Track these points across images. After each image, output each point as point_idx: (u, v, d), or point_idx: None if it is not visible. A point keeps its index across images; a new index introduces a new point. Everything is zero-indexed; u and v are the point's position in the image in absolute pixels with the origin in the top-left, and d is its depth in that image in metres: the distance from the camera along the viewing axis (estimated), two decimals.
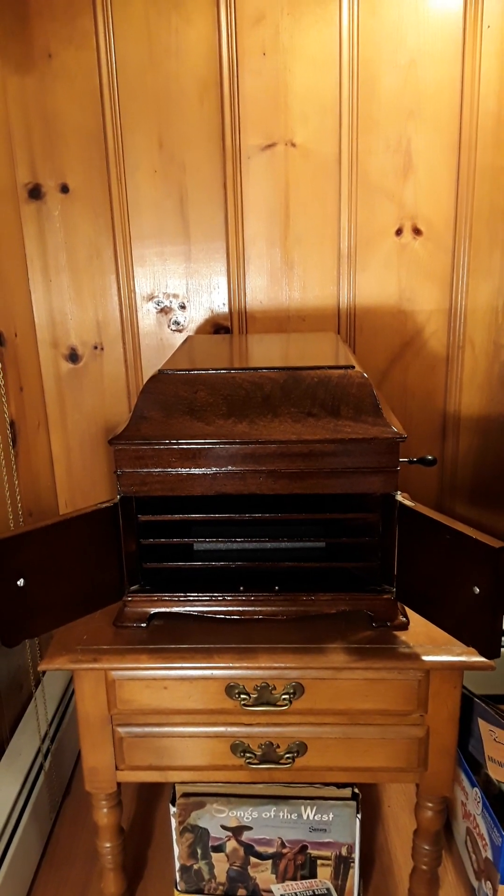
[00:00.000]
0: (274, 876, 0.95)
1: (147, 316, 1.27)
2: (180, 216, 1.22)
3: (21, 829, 1.02)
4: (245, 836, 0.93)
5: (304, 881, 0.95)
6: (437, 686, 0.85)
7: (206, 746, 0.88)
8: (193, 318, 1.27)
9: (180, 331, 1.28)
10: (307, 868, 0.94)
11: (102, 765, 0.90)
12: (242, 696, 0.85)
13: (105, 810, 0.92)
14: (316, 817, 0.92)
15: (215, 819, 0.93)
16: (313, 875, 0.94)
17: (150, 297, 1.26)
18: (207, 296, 1.26)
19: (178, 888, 0.97)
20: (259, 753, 0.88)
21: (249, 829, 0.93)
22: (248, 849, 0.94)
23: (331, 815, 0.91)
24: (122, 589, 0.88)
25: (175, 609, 0.87)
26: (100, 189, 1.21)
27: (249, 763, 0.87)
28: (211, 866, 0.95)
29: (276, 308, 1.26)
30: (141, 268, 1.25)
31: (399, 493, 0.83)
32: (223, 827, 0.93)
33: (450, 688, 0.85)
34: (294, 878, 0.95)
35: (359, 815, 0.92)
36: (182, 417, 0.83)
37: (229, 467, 0.83)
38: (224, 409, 0.83)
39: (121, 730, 0.88)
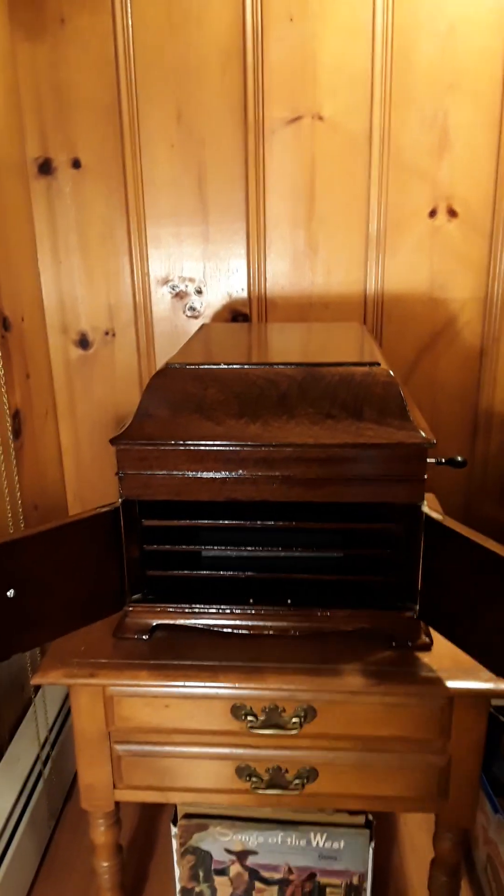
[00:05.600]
0: None
1: (161, 301, 1.20)
2: (198, 194, 1.15)
3: (17, 838, 0.97)
4: (250, 860, 0.88)
5: None
6: (461, 713, 0.78)
7: (210, 768, 0.82)
8: (210, 303, 1.20)
9: (196, 317, 1.21)
10: (316, 894, 0.89)
11: (99, 783, 0.84)
12: (249, 717, 0.79)
13: (102, 829, 0.87)
14: (326, 844, 0.86)
15: (219, 842, 0.87)
16: None
17: (165, 281, 1.19)
18: (225, 280, 1.19)
19: None
20: (266, 778, 0.82)
21: (255, 853, 0.87)
22: (253, 874, 0.89)
23: (342, 843, 0.85)
24: (123, 598, 0.82)
25: (180, 622, 0.81)
26: (113, 164, 1.14)
27: (256, 788, 0.81)
28: (213, 890, 0.90)
29: (298, 294, 1.18)
30: (156, 249, 1.18)
31: (426, 503, 0.76)
32: (227, 850, 0.88)
33: (475, 715, 0.78)
34: None
35: (372, 844, 0.86)
36: (190, 416, 0.77)
37: (240, 472, 0.76)
38: (236, 407, 0.76)
39: (119, 747, 0.82)
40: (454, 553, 0.72)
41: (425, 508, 0.76)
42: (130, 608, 0.82)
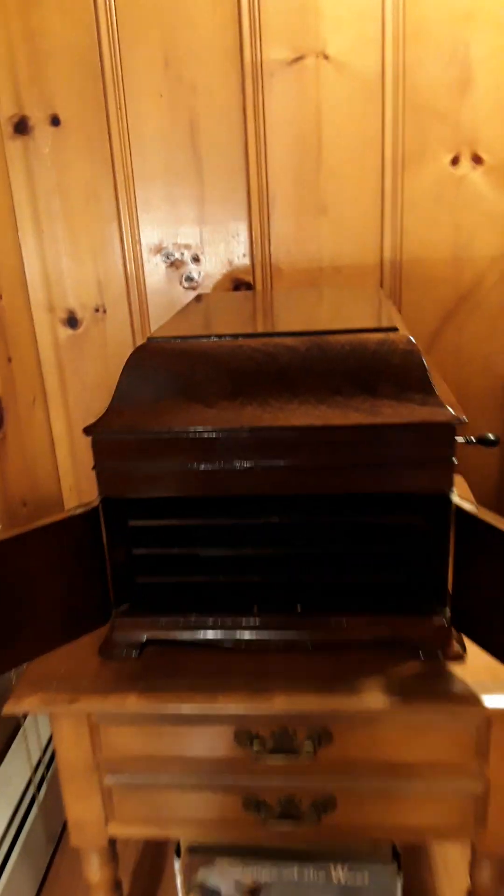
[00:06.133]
0: None
1: (155, 271, 1.09)
2: (191, 150, 1.03)
3: (11, 866, 0.88)
4: None
5: None
6: (500, 733, 0.67)
7: (213, 800, 0.72)
8: (209, 272, 1.08)
9: (194, 288, 1.09)
10: None
11: (89, 818, 0.75)
12: (256, 743, 0.68)
13: (96, 866, 0.78)
14: (348, 880, 0.76)
15: (228, 877, 0.78)
16: None
17: (159, 249, 1.08)
18: (225, 246, 1.07)
19: None
20: (278, 810, 0.71)
21: (268, 890, 0.77)
22: None
23: (366, 877, 0.75)
24: (108, 611, 0.71)
25: (174, 636, 0.71)
26: (96, 119, 1.02)
27: (266, 820, 0.71)
28: None
29: (306, 258, 1.06)
30: (146, 213, 1.06)
31: (455, 492, 0.65)
32: (237, 885, 0.78)
33: None
34: None
35: (401, 877, 0.75)
36: (176, 398, 0.66)
37: (235, 462, 0.65)
38: (229, 386, 0.65)
39: (109, 779, 0.73)
40: (491, 550, 0.60)
41: (455, 498, 0.64)
42: (117, 621, 0.71)
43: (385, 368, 0.64)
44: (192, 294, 1.09)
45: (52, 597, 0.67)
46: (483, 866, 0.75)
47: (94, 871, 0.78)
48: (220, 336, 0.66)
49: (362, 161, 1.01)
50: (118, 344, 1.12)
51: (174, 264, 1.08)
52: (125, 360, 1.11)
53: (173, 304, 1.10)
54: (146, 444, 0.65)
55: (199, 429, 0.64)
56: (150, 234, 1.07)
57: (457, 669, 0.67)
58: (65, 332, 1.12)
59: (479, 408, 1.11)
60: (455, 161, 1.00)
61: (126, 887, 0.99)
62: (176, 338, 0.67)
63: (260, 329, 0.70)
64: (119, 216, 1.06)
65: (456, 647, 0.68)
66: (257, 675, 0.68)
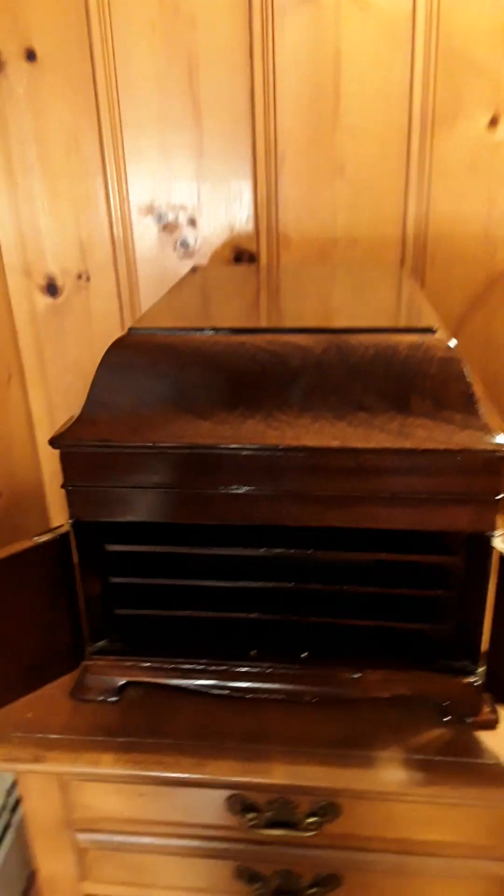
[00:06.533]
0: None
1: (146, 234, 0.95)
2: (188, 95, 0.88)
3: None
4: None
5: None
6: None
7: (201, 866, 0.63)
8: (207, 238, 0.95)
9: (190, 256, 0.96)
10: None
11: (62, 876, 0.65)
12: (250, 813, 0.58)
13: None
14: None
15: None
16: None
17: (149, 210, 0.94)
18: (226, 207, 0.93)
19: None
20: (274, 883, 0.62)
21: None
22: None
23: None
24: (79, 651, 0.61)
25: (157, 680, 0.60)
26: (78, 55, 0.88)
27: (260, 894, 0.62)
28: None
29: (318, 227, 0.93)
30: (136, 166, 0.92)
31: (499, 535, 0.53)
32: None
33: None
34: None
35: None
36: (162, 406, 0.54)
37: (232, 486, 0.53)
38: (227, 393, 0.53)
39: (82, 837, 0.63)
40: None
41: (498, 544, 0.53)
42: (91, 662, 0.61)
43: (418, 379, 0.52)
44: (188, 263, 0.96)
45: (15, 639, 0.56)
46: None
47: None
48: (216, 329, 0.54)
49: (386, 118, 0.87)
50: (103, 316, 1.00)
51: (167, 227, 0.95)
52: (111, 334, 0.99)
53: (165, 273, 0.97)
54: (125, 460, 0.54)
55: (190, 446, 0.52)
56: (139, 191, 0.93)
57: (487, 738, 0.57)
58: (44, 301, 0.99)
59: None
60: (493, 123, 0.86)
61: None
62: (163, 329, 0.55)
63: (265, 321, 0.58)
64: (104, 168, 0.92)
65: (486, 710, 0.57)
66: (253, 735, 0.57)
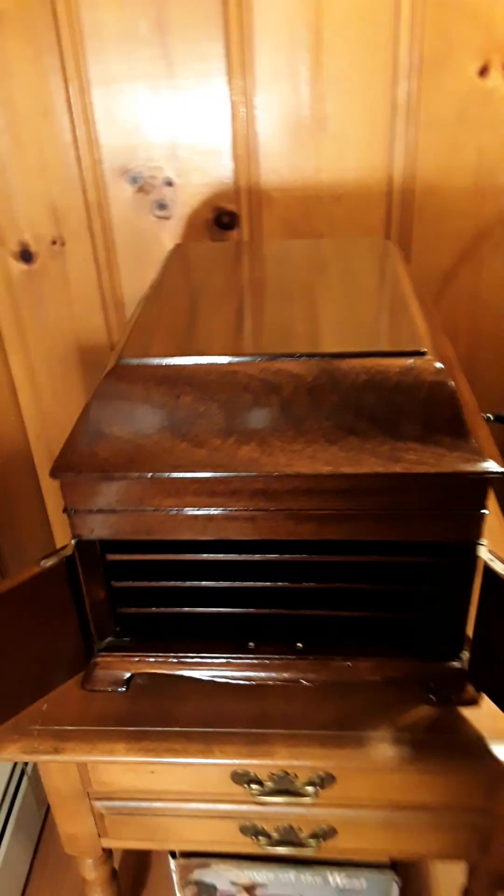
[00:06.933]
0: None
1: (121, 197, 0.92)
2: (159, 47, 0.83)
3: (9, 833, 0.88)
4: (259, 893, 0.78)
5: None
6: None
7: (209, 826, 0.70)
8: (185, 200, 0.92)
9: (167, 217, 0.93)
10: None
11: (82, 834, 0.72)
12: (253, 785, 0.65)
13: (91, 867, 0.77)
14: (345, 884, 0.76)
15: (223, 876, 0.78)
16: None
17: (124, 171, 0.90)
18: (204, 166, 0.90)
19: None
20: (276, 837, 0.69)
21: (264, 886, 0.78)
22: None
23: (363, 883, 0.75)
24: (88, 652, 0.65)
25: (162, 671, 0.65)
26: (38, 7, 0.81)
27: (264, 846, 0.69)
28: None
29: (301, 183, 0.90)
30: (108, 128, 0.88)
31: (485, 545, 0.57)
32: (233, 883, 0.78)
33: None
34: None
35: (398, 880, 0.75)
36: (158, 434, 0.55)
37: (230, 507, 0.56)
38: (222, 421, 0.54)
39: (100, 805, 0.70)
40: None
41: (484, 554, 0.56)
42: (99, 659, 0.65)
43: (409, 404, 0.53)
44: (165, 225, 0.93)
45: (25, 653, 0.59)
46: (479, 876, 0.74)
47: (89, 871, 0.77)
48: (206, 358, 0.54)
49: (372, 66, 0.83)
50: (81, 281, 0.98)
51: (143, 189, 0.91)
52: (90, 299, 0.98)
53: (142, 237, 0.94)
54: (124, 487, 0.55)
55: (186, 474, 0.54)
56: (112, 153, 0.89)
57: (470, 715, 0.62)
58: (18, 268, 0.97)
59: (493, 360, 1.00)
60: (484, 71, 0.83)
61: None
62: (154, 359, 0.55)
63: (255, 343, 0.58)
64: (74, 131, 0.88)
65: (471, 691, 0.63)
66: (255, 720, 0.62)
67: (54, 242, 0.95)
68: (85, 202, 0.92)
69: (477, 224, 0.91)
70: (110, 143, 0.88)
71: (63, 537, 1.22)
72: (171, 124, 0.87)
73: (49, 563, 0.58)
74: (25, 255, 0.96)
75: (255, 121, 0.87)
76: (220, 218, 0.93)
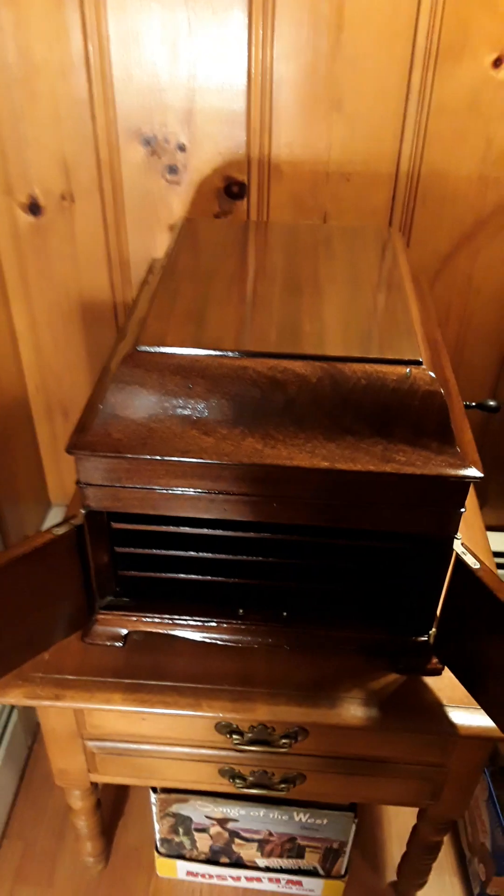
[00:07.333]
0: (259, 853, 0.90)
1: (132, 158, 0.93)
2: (183, 8, 0.83)
3: None
4: (230, 825, 0.87)
5: (290, 859, 0.90)
6: (467, 742, 0.71)
7: (191, 767, 0.77)
8: (196, 166, 0.93)
9: (177, 182, 0.94)
10: (294, 852, 0.89)
11: (73, 769, 0.79)
12: (235, 735, 0.71)
13: (78, 798, 0.84)
14: (309, 821, 0.84)
15: (199, 811, 0.85)
16: (300, 857, 0.90)
17: (137, 133, 0.91)
18: (217, 134, 0.91)
19: (160, 852, 0.93)
20: (251, 780, 0.77)
21: (235, 821, 0.86)
22: (234, 834, 0.88)
23: (325, 821, 0.84)
24: (90, 609, 0.70)
25: (157, 630, 0.70)
26: None
27: (240, 788, 0.77)
28: (193, 841, 0.90)
29: (311, 159, 0.91)
30: (125, 87, 0.87)
31: (460, 540, 0.62)
32: (207, 817, 0.86)
33: (481, 744, 0.72)
34: (280, 857, 0.91)
35: (355, 821, 0.84)
36: (170, 420, 0.59)
37: (233, 491, 0.60)
38: (230, 413, 0.58)
39: (92, 745, 0.76)
40: (484, 608, 0.60)
41: (458, 548, 0.62)
42: (99, 616, 0.70)
43: (403, 410, 0.58)
44: (175, 190, 0.94)
45: (30, 616, 0.64)
46: (428, 819, 0.83)
47: (76, 801, 0.85)
48: (221, 352, 0.58)
49: (390, 50, 0.84)
50: (88, 238, 0.98)
51: (155, 152, 0.92)
52: (96, 257, 1.00)
53: (152, 199, 0.95)
54: (135, 467, 0.60)
55: (195, 461, 0.58)
56: (128, 117, 0.89)
57: (433, 684, 0.69)
58: (25, 220, 0.97)
59: (484, 346, 1.04)
60: (497, 63, 0.84)
61: None
62: (170, 348, 0.58)
63: (262, 340, 0.61)
64: (90, 87, 0.88)
65: (434, 663, 0.69)
66: (241, 678, 0.69)
67: (63, 198, 0.95)
68: (97, 160, 0.92)
69: (476, 211, 0.94)
70: (126, 102, 0.89)
71: (55, 483, 1.26)
72: (188, 89, 0.87)
73: (61, 531, 0.62)
74: (34, 208, 0.96)
75: (271, 93, 0.87)
76: (229, 187, 0.94)
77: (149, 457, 0.58)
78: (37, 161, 0.93)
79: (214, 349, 0.58)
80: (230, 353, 0.58)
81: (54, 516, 1.26)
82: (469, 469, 0.57)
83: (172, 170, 0.93)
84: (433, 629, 0.68)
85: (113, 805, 1.06)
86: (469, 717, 0.67)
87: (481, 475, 0.58)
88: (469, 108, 0.87)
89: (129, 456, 0.59)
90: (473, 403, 0.84)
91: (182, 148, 0.92)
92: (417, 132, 0.89)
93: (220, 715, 0.67)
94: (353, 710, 0.67)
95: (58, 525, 0.63)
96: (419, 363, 0.57)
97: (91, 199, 0.96)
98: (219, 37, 0.84)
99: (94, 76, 0.87)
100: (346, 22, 0.82)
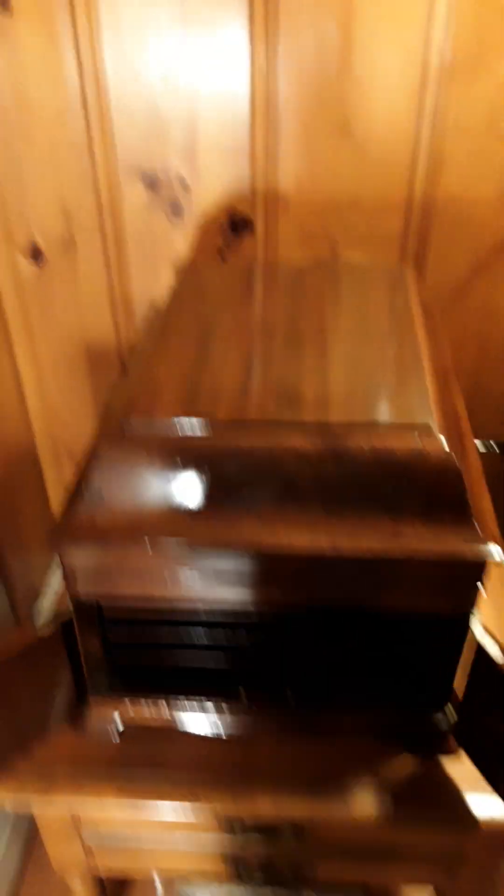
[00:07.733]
0: None
1: (133, 197, 0.88)
2: (181, 33, 0.78)
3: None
4: None
5: None
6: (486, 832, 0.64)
7: (194, 857, 0.71)
8: (199, 201, 0.88)
9: (180, 219, 0.89)
10: None
11: (70, 860, 0.74)
12: (237, 828, 0.65)
13: (79, 884, 0.79)
14: None
15: (203, 890, 0.79)
16: None
17: (138, 171, 0.86)
18: (220, 167, 0.85)
19: None
20: (258, 872, 0.70)
21: None
22: None
23: None
24: (80, 697, 0.64)
25: (153, 720, 0.65)
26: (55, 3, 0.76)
27: (245, 877, 0.71)
28: None
29: (319, 190, 0.85)
30: (124, 126, 0.83)
31: (478, 617, 0.55)
32: (214, 893, 0.80)
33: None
34: None
35: None
36: (158, 502, 0.53)
37: (229, 574, 0.54)
38: (223, 493, 0.53)
39: (87, 837, 0.71)
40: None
41: (478, 633, 0.55)
42: (92, 707, 0.64)
43: (414, 483, 0.51)
44: (179, 227, 0.89)
45: (18, 705, 0.59)
46: None
47: (77, 886, 0.79)
48: (212, 427, 0.52)
49: (401, 67, 0.77)
50: (91, 281, 0.94)
51: (156, 189, 0.87)
52: (100, 300, 0.95)
53: (154, 238, 0.90)
54: (124, 554, 0.54)
55: (184, 542, 0.53)
56: (128, 155, 0.85)
57: (450, 767, 0.62)
58: (28, 268, 0.93)
59: (501, 364, 0.96)
60: None
61: None
62: (158, 426, 0.53)
63: (260, 407, 0.55)
64: (88, 129, 0.83)
65: (452, 743, 0.62)
66: (242, 770, 0.62)
67: (65, 242, 0.91)
68: (98, 202, 0.88)
69: (495, 235, 0.86)
70: (125, 140, 0.84)
71: None
72: (189, 122, 0.82)
73: (46, 631, 0.57)
74: (35, 254, 0.92)
75: (276, 122, 0.82)
76: (234, 224, 0.89)
77: (136, 543, 0.53)
78: (36, 206, 0.89)
79: (207, 421, 0.52)
80: (222, 427, 0.52)
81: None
82: (488, 546, 0.51)
83: (175, 206, 0.88)
84: (451, 709, 0.61)
85: (118, 884, 1.01)
86: (489, 804, 0.59)
87: (502, 555, 0.51)
88: (488, 127, 0.80)
89: (113, 539, 0.53)
90: (494, 444, 0.78)
91: (184, 183, 0.87)
92: (432, 153, 0.82)
93: (220, 808, 0.61)
94: (364, 803, 0.60)
95: (43, 624, 0.57)
96: (429, 430, 0.51)
97: (93, 241, 0.91)
98: (220, 66, 0.79)
99: (92, 116, 0.82)
100: (354, 42, 0.76)
